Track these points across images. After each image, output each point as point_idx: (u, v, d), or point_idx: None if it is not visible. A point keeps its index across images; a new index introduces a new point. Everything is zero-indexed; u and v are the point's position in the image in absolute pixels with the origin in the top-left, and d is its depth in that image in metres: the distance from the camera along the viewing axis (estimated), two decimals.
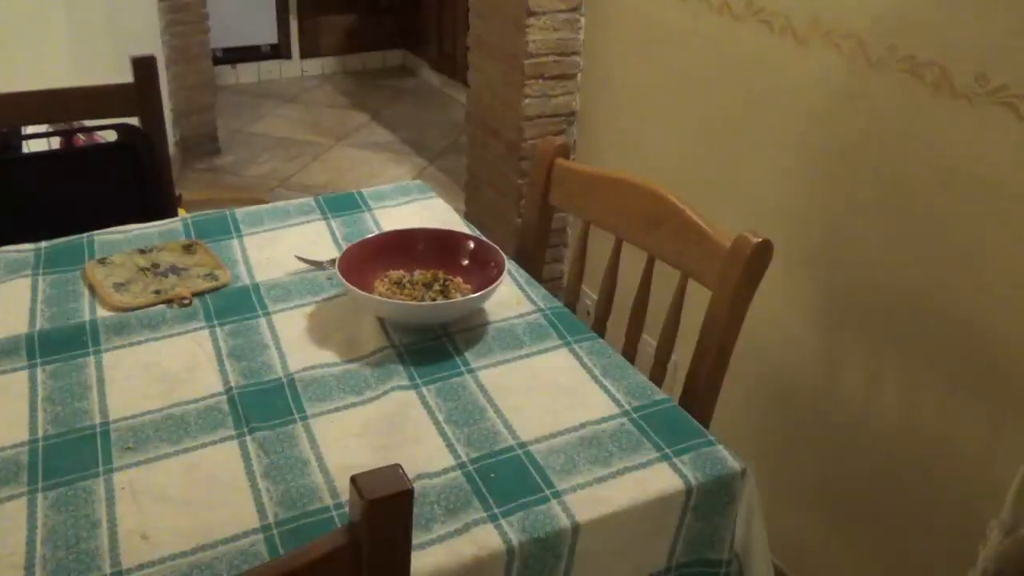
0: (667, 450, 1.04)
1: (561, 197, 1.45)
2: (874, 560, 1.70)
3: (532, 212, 1.48)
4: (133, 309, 1.26)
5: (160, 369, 1.15)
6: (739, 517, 1.04)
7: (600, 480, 0.99)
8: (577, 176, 1.44)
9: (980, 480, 1.48)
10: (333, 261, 1.34)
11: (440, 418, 1.08)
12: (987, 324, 1.41)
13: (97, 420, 1.05)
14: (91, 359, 1.16)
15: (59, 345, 1.18)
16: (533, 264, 1.51)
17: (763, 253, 1.18)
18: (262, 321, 1.25)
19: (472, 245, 1.35)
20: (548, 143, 1.43)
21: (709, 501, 1.01)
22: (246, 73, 4.94)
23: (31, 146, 1.86)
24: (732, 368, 1.31)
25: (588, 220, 1.45)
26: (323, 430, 1.05)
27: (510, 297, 1.32)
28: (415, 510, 0.88)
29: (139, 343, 1.20)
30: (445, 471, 1.00)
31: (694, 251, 1.24)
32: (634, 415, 1.09)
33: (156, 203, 1.72)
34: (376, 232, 1.45)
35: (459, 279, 1.30)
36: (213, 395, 1.10)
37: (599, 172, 1.43)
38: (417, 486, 0.96)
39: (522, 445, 1.04)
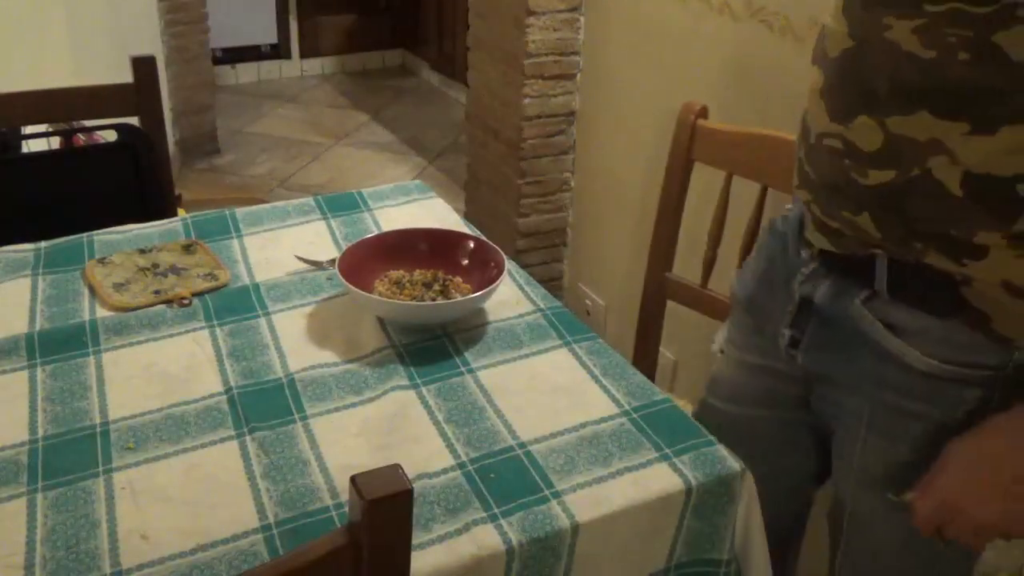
0: (667, 450, 1.04)
1: (703, 153, 1.58)
2: None
3: (677, 166, 1.60)
4: (133, 309, 1.26)
5: (160, 369, 1.15)
6: (738, 517, 1.04)
7: (600, 480, 0.99)
8: (719, 134, 1.56)
9: None
10: (333, 261, 1.34)
11: (440, 418, 1.08)
12: None
13: (97, 420, 1.05)
14: (91, 359, 1.16)
15: (59, 345, 1.18)
16: (672, 217, 1.61)
17: None
18: (262, 321, 1.25)
19: (472, 245, 1.35)
20: (691, 106, 1.56)
21: (709, 501, 1.01)
22: (246, 73, 4.94)
23: (31, 146, 1.86)
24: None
25: (731, 172, 1.54)
26: (323, 430, 1.05)
27: (510, 297, 1.32)
28: (415, 510, 0.88)
29: (139, 343, 1.20)
30: (445, 471, 1.00)
31: None
32: (634, 415, 1.09)
33: (156, 203, 1.72)
34: (376, 232, 1.45)
35: (459, 279, 1.30)
36: (213, 395, 1.10)
37: (743, 129, 1.54)
38: (417, 486, 0.96)
39: (522, 445, 1.04)
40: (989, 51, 0.76)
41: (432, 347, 1.21)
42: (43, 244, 1.41)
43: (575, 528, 0.94)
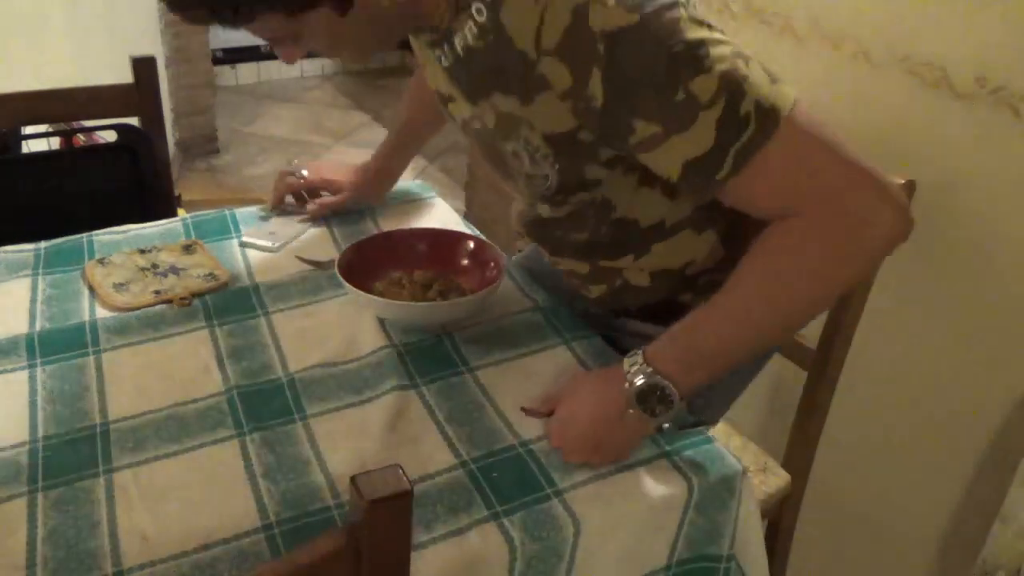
0: (668, 448, 1.04)
1: None
2: (873, 560, 1.70)
3: None
4: (133, 309, 1.26)
5: (160, 369, 1.15)
6: (738, 517, 1.04)
7: (601, 478, 0.99)
8: None
9: (982, 477, 1.48)
10: (333, 261, 1.34)
11: (440, 417, 1.08)
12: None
13: (97, 420, 1.05)
14: (91, 359, 1.16)
15: (59, 345, 1.18)
16: None
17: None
18: (262, 321, 1.25)
19: (472, 245, 1.35)
20: None
21: (710, 499, 1.01)
22: (246, 73, 4.94)
23: (31, 146, 1.86)
24: None
25: None
26: (323, 430, 1.05)
27: (510, 297, 1.32)
28: (416, 510, 0.88)
29: (139, 343, 1.20)
30: (446, 470, 1.00)
31: None
32: None
33: (156, 203, 1.72)
34: (376, 232, 1.45)
35: (459, 279, 1.30)
36: (213, 395, 1.10)
37: None
38: (418, 486, 0.96)
39: (523, 444, 1.04)
40: (618, 222, 1.11)
41: (432, 347, 1.21)
42: (43, 244, 1.41)
43: (577, 526, 0.94)
